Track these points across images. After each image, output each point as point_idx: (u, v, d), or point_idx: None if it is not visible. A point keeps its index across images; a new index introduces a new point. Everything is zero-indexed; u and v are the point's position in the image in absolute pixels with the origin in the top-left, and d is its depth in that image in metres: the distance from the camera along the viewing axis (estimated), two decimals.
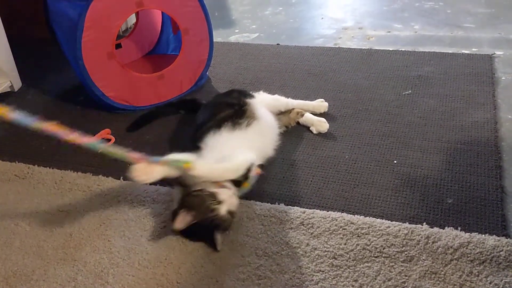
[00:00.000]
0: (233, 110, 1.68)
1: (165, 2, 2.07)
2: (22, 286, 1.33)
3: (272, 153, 1.71)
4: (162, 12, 2.47)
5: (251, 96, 1.83)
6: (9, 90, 2.40)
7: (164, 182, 1.64)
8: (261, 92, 1.92)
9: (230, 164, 1.44)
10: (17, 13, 2.85)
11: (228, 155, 1.47)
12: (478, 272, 1.23)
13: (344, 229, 1.40)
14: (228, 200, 1.38)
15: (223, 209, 1.37)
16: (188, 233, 1.40)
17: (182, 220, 1.34)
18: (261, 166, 1.57)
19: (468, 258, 1.27)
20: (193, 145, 1.62)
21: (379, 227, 1.39)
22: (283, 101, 1.92)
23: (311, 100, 1.98)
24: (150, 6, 2.08)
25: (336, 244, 1.36)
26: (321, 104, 1.96)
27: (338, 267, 1.29)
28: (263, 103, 1.83)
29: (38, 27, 2.59)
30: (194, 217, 1.35)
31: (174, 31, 2.45)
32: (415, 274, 1.25)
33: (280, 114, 1.89)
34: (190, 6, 2.11)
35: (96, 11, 1.90)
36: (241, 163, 1.46)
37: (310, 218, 1.45)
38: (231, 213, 1.39)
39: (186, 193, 1.40)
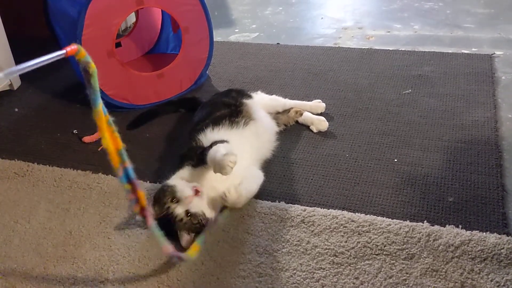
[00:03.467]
0: (229, 110, 1.68)
1: (165, 1, 2.07)
2: (21, 284, 1.32)
3: (269, 155, 1.71)
4: (162, 11, 2.47)
5: (249, 96, 1.83)
6: (8, 88, 2.40)
7: (162, 180, 1.64)
8: (259, 92, 1.92)
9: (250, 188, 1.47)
10: (17, 11, 2.85)
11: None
12: (479, 269, 1.23)
13: (345, 227, 1.40)
14: (187, 201, 1.36)
15: (179, 209, 1.36)
16: (161, 226, 1.39)
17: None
18: None
19: (469, 256, 1.27)
20: (188, 141, 1.62)
21: (380, 225, 1.39)
22: (280, 101, 1.92)
23: (310, 99, 1.98)
24: (150, 4, 2.08)
25: (337, 242, 1.35)
26: (318, 105, 1.96)
27: (339, 265, 1.29)
28: (261, 103, 1.83)
29: (38, 25, 2.58)
30: (154, 211, 1.36)
31: (174, 30, 2.45)
32: (416, 272, 1.24)
33: (279, 113, 1.89)
34: (190, 5, 2.11)
35: (96, 9, 1.89)
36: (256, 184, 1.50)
37: (310, 216, 1.44)
38: (193, 216, 1.37)
39: (162, 188, 1.43)
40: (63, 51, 0.95)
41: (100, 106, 1.08)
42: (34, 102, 2.31)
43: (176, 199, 1.38)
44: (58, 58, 0.95)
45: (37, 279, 1.33)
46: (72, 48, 0.97)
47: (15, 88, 2.41)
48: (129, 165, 1.14)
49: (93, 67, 1.02)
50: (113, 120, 1.13)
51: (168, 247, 1.27)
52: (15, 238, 1.49)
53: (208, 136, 1.57)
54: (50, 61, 0.93)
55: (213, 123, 1.60)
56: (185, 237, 1.37)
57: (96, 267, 1.35)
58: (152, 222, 1.25)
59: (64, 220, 1.54)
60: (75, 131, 2.00)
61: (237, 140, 1.57)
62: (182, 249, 1.35)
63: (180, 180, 1.44)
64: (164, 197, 1.38)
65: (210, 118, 1.65)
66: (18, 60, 2.42)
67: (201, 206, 1.39)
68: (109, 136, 1.10)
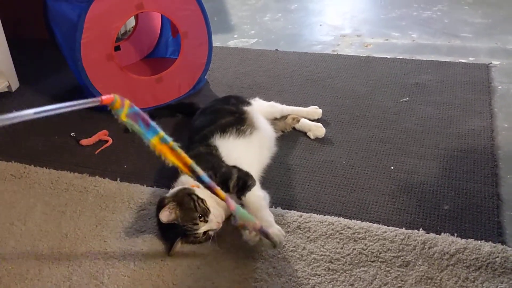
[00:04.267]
0: (234, 117, 1.68)
1: (165, 5, 2.08)
2: (16, 286, 1.32)
3: (269, 162, 1.71)
4: (161, 15, 2.48)
5: (248, 103, 1.83)
6: (6, 90, 2.39)
7: (160, 184, 1.65)
8: (256, 98, 1.92)
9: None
10: (16, 14, 2.85)
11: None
12: (474, 278, 1.24)
13: (341, 233, 1.40)
14: (213, 223, 1.36)
15: (203, 228, 1.35)
16: (160, 225, 1.41)
17: (168, 215, 1.33)
18: None
19: (464, 264, 1.27)
20: (190, 145, 1.62)
21: (376, 232, 1.39)
22: (278, 108, 1.92)
23: (308, 106, 1.99)
24: (150, 8, 2.09)
25: (333, 248, 1.36)
26: (315, 111, 1.97)
27: (334, 271, 1.29)
28: (259, 110, 1.83)
29: (37, 27, 2.59)
30: (177, 218, 1.34)
31: (173, 34, 2.46)
32: (411, 279, 1.25)
33: (276, 119, 1.90)
34: (190, 10, 2.12)
35: (96, 12, 1.90)
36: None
37: (307, 222, 1.45)
38: (207, 235, 1.37)
39: (187, 192, 1.38)
40: (98, 99, 0.97)
41: (156, 139, 1.10)
42: (32, 104, 2.30)
43: (205, 219, 1.35)
44: (93, 105, 0.97)
45: (32, 281, 1.33)
46: (108, 97, 0.99)
47: (13, 90, 2.41)
48: (202, 173, 1.16)
49: (123, 119, 1.06)
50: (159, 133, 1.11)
51: (258, 223, 1.24)
52: (10, 240, 1.48)
53: (218, 142, 1.56)
54: (83, 107, 0.95)
55: (220, 130, 1.60)
56: (178, 247, 1.37)
57: (91, 270, 1.35)
58: (235, 206, 1.21)
59: (60, 222, 1.54)
60: (72, 134, 2.00)
61: (244, 151, 1.58)
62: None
63: (209, 197, 1.37)
64: (195, 212, 1.34)
65: (215, 124, 1.64)
66: (17, 62, 2.43)
67: (218, 227, 1.38)
68: (174, 157, 1.12)
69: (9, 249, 1.45)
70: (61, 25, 2.11)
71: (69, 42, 1.99)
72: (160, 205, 1.37)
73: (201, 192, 1.37)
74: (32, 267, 1.37)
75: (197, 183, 1.38)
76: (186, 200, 1.35)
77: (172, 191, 1.43)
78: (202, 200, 1.36)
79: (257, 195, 1.41)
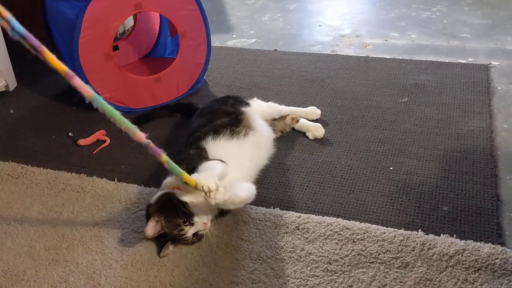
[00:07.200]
0: (229, 118, 1.67)
1: (164, 5, 2.07)
2: (12, 286, 1.31)
3: (266, 162, 1.70)
4: (160, 15, 2.48)
5: (247, 104, 1.82)
6: (4, 89, 2.38)
7: (158, 184, 1.63)
8: (255, 99, 1.90)
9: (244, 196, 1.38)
10: (14, 13, 2.84)
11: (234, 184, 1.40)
12: (473, 279, 1.23)
13: (340, 234, 1.39)
14: (199, 225, 1.35)
15: (190, 231, 1.34)
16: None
17: (153, 229, 1.32)
18: None
19: (463, 266, 1.27)
20: (185, 148, 1.61)
21: (375, 233, 1.39)
22: (276, 108, 1.91)
23: (307, 106, 1.98)
24: (148, 8, 2.08)
25: (331, 249, 1.35)
26: (314, 111, 1.96)
27: (333, 272, 1.28)
28: (258, 110, 1.82)
29: (35, 26, 2.57)
30: (163, 228, 1.33)
31: (172, 34, 2.45)
32: (410, 281, 1.24)
33: (275, 120, 1.89)
34: (189, 10, 2.11)
35: (94, 12, 1.89)
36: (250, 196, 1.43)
37: (305, 223, 1.44)
38: (197, 236, 1.37)
39: (168, 197, 1.37)
40: None
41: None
42: (30, 104, 2.30)
43: (190, 222, 1.34)
44: None
45: (28, 282, 1.32)
46: None
47: (11, 89, 2.40)
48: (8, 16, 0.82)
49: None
50: None
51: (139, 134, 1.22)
52: (7, 240, 1.47)
53: (209, 144, 1.54)
54: None
55: (214, 131, 1.58)
56: (170, 249, 1.37)
57: (88, 271, 1.34)
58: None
59: (57, 223, 1.53)
60: (70, 134, 1.99)
61: (236, 153, 1.56)
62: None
63: (189, 197, 1.37)
64: (179, 218, 1.33)
65: (210, 125, 1.63)
66: (15, 61, 2.41)
67: (207, 228, 1.37)
68: None
69: (6, 249, 1.44)
70: (59, 24, 2.10)
71: (67, 41, 1.98)
72: (148, 213, 1.37)
73: (183, 194, 1.37)
74: (28, 268, 1.36)
75: (179, 185, 1.39)
76: (169, 206, 1.34)
77: (155, 196, 1.41)
78: (184, 203, 1.35)
79: (216, 161, 1.40)
